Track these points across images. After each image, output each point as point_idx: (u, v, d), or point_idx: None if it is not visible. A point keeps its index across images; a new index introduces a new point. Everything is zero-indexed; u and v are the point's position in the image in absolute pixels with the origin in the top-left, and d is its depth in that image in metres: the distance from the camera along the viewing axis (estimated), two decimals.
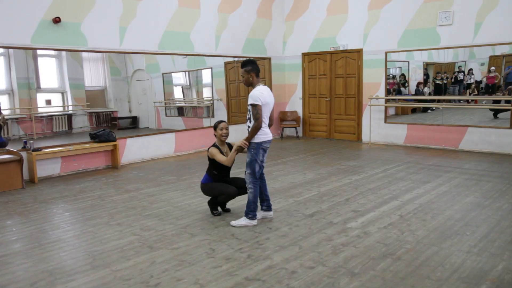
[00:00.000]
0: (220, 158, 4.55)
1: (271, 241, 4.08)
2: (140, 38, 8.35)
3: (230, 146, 4.81)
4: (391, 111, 10.40)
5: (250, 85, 4.43)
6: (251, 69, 4.37)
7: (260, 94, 4.26)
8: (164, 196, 5.85)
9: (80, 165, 7.63)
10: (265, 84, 4.48)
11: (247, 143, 4.37)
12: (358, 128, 10.48)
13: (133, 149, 8.42)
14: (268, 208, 4.69)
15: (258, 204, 4.75)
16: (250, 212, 4.48)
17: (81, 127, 8.96)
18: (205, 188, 4.75)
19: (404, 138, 9.65)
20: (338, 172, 7.03)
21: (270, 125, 4.45)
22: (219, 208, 4.94)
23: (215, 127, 4.68)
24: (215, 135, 4.69)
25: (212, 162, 4.64)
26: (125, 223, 4.74)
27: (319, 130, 11.30)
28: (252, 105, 4.26)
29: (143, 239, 4.24)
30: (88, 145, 7.54)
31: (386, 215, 4.75)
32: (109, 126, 9.63)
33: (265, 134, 4.37)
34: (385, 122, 9.93)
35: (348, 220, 4.61)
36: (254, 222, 4.50)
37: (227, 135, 4.63)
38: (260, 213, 4.66)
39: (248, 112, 4.39)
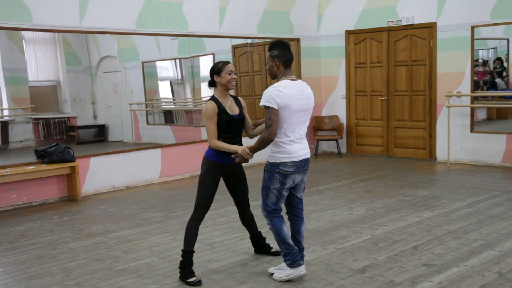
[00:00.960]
0: (210, 127, 4.64)
1: None
2: (110, 12, 8.49)
3: (237, 100, 4.88)
4: (482, 115, 10.30)
5: (275, 77, 4.51)
6: (278, 55, 4.43)
7: (277, 94, 4.28)
8: (146, 242, 5.83)
9: (21, 196, 7.70)
10: (295, 79, 4.48)
11: (251, 154, 4.44)
12: (430, 141, 10.40)
13: (100, 172, 8.49)
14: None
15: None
16: (285, 257, 4.53)
17: (22, 141, 9.08)
18: (201, 169, 4.81)
19: (502, 155, 9.54)
20: (400, 207, 6.96)
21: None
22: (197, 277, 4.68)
23: (218, 70, 4.72)
24: (217, 83, 4.76)
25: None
26: (87, 283, 4.71)
27: (372, 144, 11.24)
28: (264, 107, 4.32)
29: None
30: (33, 167, 7.61)
31: (477, 273, 4.66)
32: (64, 140, 9.73)
33: (287, 153, 4.38)
34: (472, 131, 9.85)
35: (418, 279, 4.54)
36: (300, 270, 4.51)
37: (235, 81, 4.77)
38: (287, 269, 4.62)
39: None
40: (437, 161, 10.28)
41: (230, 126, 4.71)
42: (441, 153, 10.23)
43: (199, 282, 4.54)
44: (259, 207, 4.70)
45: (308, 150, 4.54)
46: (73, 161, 7.89)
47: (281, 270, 4.60)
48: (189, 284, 4.53)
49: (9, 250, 5.73)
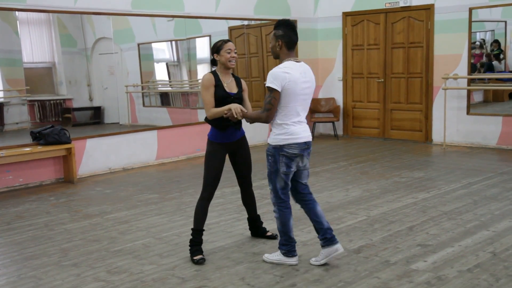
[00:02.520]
0: (207, 97, 4.67)
1: None
2: None
3: (239, 81, 4.89)
4: (478, 97, 10.31)
5: (277, 57, 4.47)
6: (281, 35, 4.38)
7: (283, 75, 4.22)
8: (142, 223, 5.86)
9: (17, 178, 7.71)
10: (299, 61, 4.46)
11: (241, 115, 4.46)
12: (426, 123, 10.42)
13: (96, 154, 8.49)
14: (327, 240, 4.48)
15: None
16: (282, 247, 4.54)
17: (17, 123, 9.07)
18: (206, 150, 4.85)
19: (497, 137, 9.57)
20: (396, 188, 6.99)
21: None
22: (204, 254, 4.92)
23: (217, 49, 4.74)
24: (217, 61, 4.77)
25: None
26: (84, 263, 4.74)
27: (368, 126, 11.26)
28: (268, 88, 4.27)
29: (111, 286, 4.23)
30: (28, 149, 7.62)
31: (471, 253, 4.69)
32: (60, 122, 9.73)
33: (291, 134, 4.31)
34: (468, 113, 9.87)
35: (412, 259, 4.57)
36: (292, 260, 4.51)
37: (236, 60, 4.77)
38: (321, 254, 4.53)
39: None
40: (433, 143, 10.31)
41: (224, 103, 4.68)
42: (437, 135, 10.26)
43: (201, 260, 4.60)
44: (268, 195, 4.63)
45: (310, 133, 4.48)
46: (69, 142, 7.89)
47: (273, 253, 4.63)
48: (193, 261, 4.60)
49: (6, 231, 5.76)
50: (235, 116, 4.47)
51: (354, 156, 9.42)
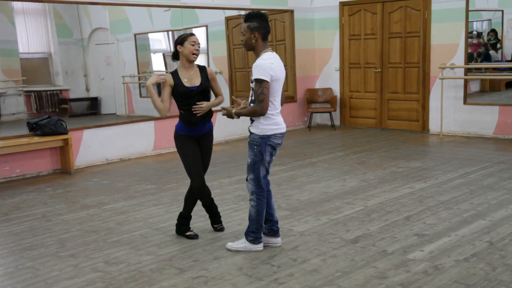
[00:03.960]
0: (155, 98, 4.79)
1: (296, 279, 4.07)
2: None
3: (203, 70, 4.92)
4: (475, 87, 10.31)
5: (251, 49, 4.48)
6: (257, 27, 4.38)
7: (270, 66, 4.29)
8: (140, 213, 5.86)
9: (14, 169, 7.70)
10: (273, 51, 4.49)
11: (232, 113, 4.52)
12: (423, 113, 10.42)
13: (93, 145, 8.48)
14: (272, 232, 4.71)
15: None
16: (250, 234, 4.59)
17: (14, 113, 9.05)
18: (176, 144, 4.96)
19: (494, 126, 9.58)
20: (393, 178, 7.00)
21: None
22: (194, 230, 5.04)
23: (182, 40, 4.78)
24: (180, 53, 4.80)
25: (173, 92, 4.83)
26: (81, 254, 4.75)
27: (365, 116, 11.26)
28: (256, 80, 4.27)
29: (108, 277, 4.24)
30: (25, 139, 7.60)
31: (468, 242, 4.71)
32: (56, 112, 9.71)
33: (276, 124, 4.43)
34: (465, 103, 9.86)
35: (409, 249, 4.58)
36: (258, 247, 4.59)
37: (197, 54, 4.82)
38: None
39: (251, 92, 4.40)
40: (430, 133, 10.31)
41: (187, 98, 4.75)
42: (434, 125, 10.26)
43: (195, 236, 4.98)
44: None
45: None
46: (66, 133, 7.87)
47: (237, 241, 4.70)
48: (187, 237, 4.96)
49: (3, 222, 5.75)
50: (229, 115, 4.54)
51: (351, 146, 9.42)
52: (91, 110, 10.33)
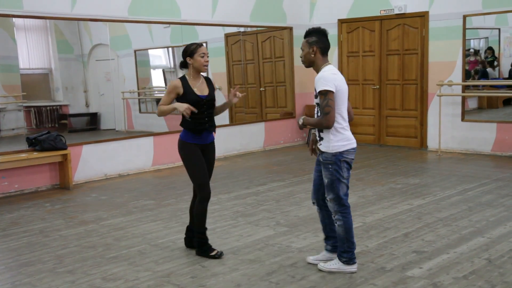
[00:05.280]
0: (164, 99, 4.77)
1: None
2: None
3: (209, 82, 4.92)
4: (472, 104, 10.33)
5: (311, 64, 4.42)
6: (315, 41, 4.34)
7: (333, 77, 4.23)
8: (138, 229, 5.84)
9: (12, 184, 7.67)
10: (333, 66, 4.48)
11: (188, 113, 4.57)
12: (421, 130, 10.43)
13: (92, 160, 8.46)
14: (334, 248, 4.59)
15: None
16: (343, 254, 4.42)
17: (13, 129, 9.04)
18: (181, 153, 4.94)
19: (492, 143, 9.58)
20: (392, 194, 6.98)
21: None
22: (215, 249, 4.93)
23: (191, 52, 4.74)
24: (190, 65, 4.77)
25: (180, 99, 4.78)
26: (79, 270, 4.72)
27: (363, 132, 11.26)
28: (320, 93, 4.19)
29: None
30: (24, 155, 7.58)
31: (467, 259, 4.69)
32: (56, 128, 9.71)
33: (347, 139, 4.31)
34: (463, 120, 9.87)
35: (408, 266, 4.56)
36: (352, 268, 4.42)
37: (208, 63, 4.81)
38: (321, 254, 4.66)
39: (316, 108, 4.32)
40: (428, 149, 10.31)
41: (197, 107, 4.73)
42: (432, 142, 10.26)
43: (220, 253, 4.87)
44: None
45: None
46: (65, 148, 7.85)
47: (330, 262, 4.51)
48: (214, 257, 4.82)
49: (1, 237, 5.72)
50: (185, 114, 4.59)
51: None
52: (91, 125, 10.33)
